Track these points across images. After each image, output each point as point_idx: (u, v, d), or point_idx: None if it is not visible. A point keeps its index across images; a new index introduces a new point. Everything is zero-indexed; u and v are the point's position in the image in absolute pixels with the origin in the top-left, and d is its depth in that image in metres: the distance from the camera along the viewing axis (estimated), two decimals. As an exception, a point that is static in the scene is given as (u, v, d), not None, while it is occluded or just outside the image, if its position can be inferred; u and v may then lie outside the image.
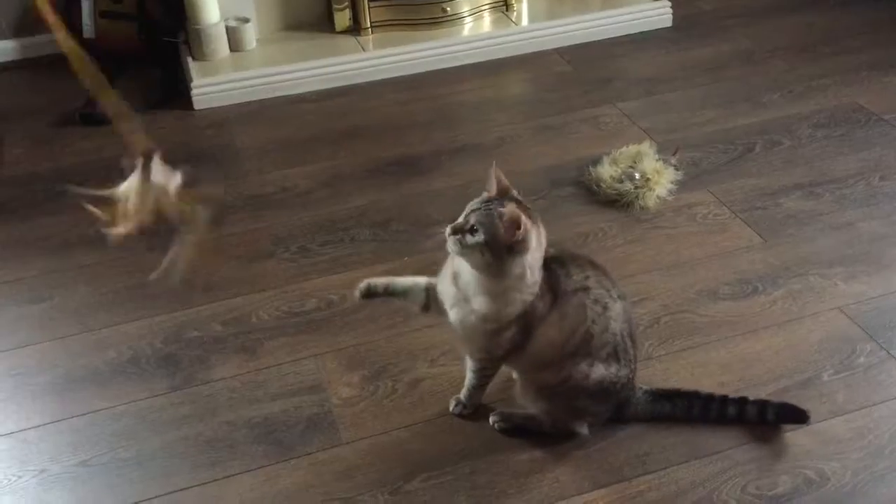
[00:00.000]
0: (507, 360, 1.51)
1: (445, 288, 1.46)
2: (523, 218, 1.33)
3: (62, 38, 1.56)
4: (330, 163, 2.36)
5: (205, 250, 2.01)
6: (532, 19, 2.92)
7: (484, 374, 1.55)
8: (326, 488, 1.50)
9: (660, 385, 1.61)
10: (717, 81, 2.67)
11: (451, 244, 1.37)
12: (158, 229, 2.11)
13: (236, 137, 2.50)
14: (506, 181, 1.41)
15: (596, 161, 2.24)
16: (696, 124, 2.45)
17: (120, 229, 1.53)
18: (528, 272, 1.37)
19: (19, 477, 1.55)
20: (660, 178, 2.16)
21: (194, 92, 2.62)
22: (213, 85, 2.64)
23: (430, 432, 1.59)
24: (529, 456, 1.54)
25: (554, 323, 1.43)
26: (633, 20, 2.94)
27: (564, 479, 1.49)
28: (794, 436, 1.54)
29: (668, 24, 2.97)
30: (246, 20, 2.75)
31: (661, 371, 1.68)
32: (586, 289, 1.44)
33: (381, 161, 2.36)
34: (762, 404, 1.54)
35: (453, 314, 1.46)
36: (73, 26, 2.77)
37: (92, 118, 2.57)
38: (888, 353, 1.70)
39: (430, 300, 1.51)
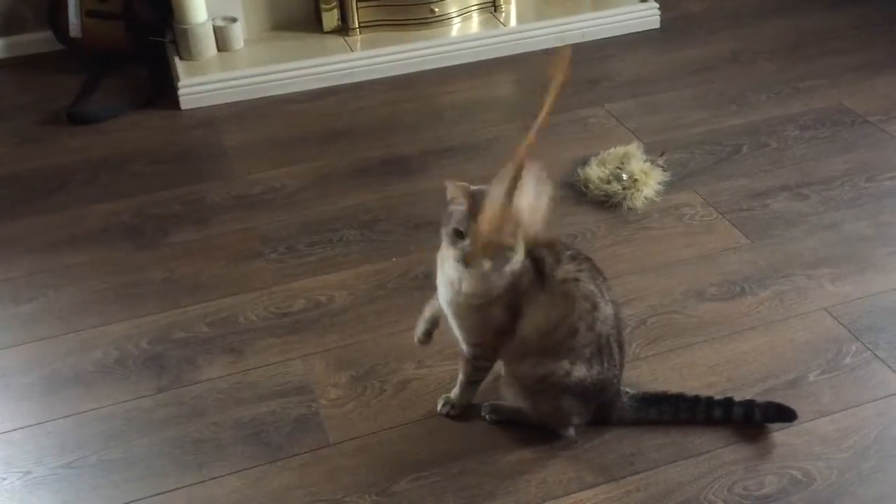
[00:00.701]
0: (499, 348, 1.50)
1: (439, 279, 1.47)
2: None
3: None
4: (318, 163, 2.36)
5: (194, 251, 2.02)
6: (520, 20, 2.92)
7: (477, 367, 1.55)
8: (314, 489, 1.50)
9: (647, 386, 1.61)
10: (704, 83, 2.68)
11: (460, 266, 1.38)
12: (145, 228, 2.12)
13: (224, 137, 2.50)
14: (469, 190, 1.39)
15: (584, 162, 2.25)
16: (683, 125, 2.46)
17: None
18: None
19: (4, 479, 1.54)
20: (647, 179, 2.16)
21: (181, 91, 2.61)
22: (200, 85, 2.63)
23: (418, 433, 1.59)
24: (518, 456, 1.54)
25: (541, 306, 1.43)
26: (622, 22, 2.95)
27: (552, 479, 1.50)
28: (780, 436, 1.55)
29: (656, 25, 2.98)
30: (233, 20, 2.74)
31: (648, 372, 1.68)
32: (577, 280, 1.45)
33: (370, 161, 2.36)
34: (748, 405, 1.55)
35: (444, 297, 1.46)
36: (60, 26, 2.76)
37: (80, 117, 2.56)
38: (873, 353, 1.71)
39: None
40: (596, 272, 1.49)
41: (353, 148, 2.42)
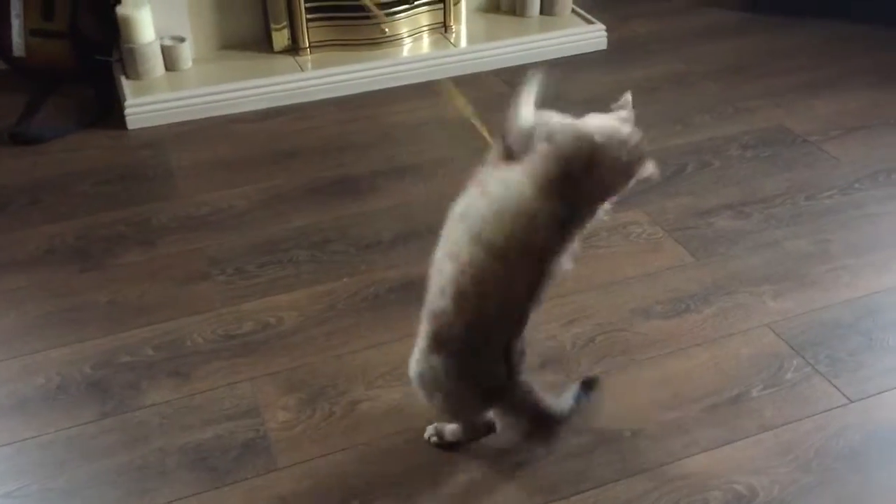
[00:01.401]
0: None
1: None
2: None
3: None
4: (267, 183, 2.34)
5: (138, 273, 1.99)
6: (471, 41, 2.95)
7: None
8: (262, 514, 1.48)
9: (595, 404, 1.62)
10: (650, 103, 2.73)
11: None
12: (90, 250, 2.09)
13: (171, 157, 2.47)
14: None
15: (533, 181, 2.27)
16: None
17: None
18: None
19: (-60, 510, 1.50)
20: (595, 198, 2.19)
21: (128, 111, 2.58)
22: (147, 104, 2.60)
23: (368, 455, 1.58)
24: (467, 476, 1.54)
25: None
26: (570, 43, 3.00)
27: (501, 499, 1.50)
28: (725, 451, 1.58)
29: (604, 46, 3.04)
30: (181, 39, 2.72)
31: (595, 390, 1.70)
32: None
33: (320, 181, 2.35)
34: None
35: None
36: (2, 44, 2.72)
37: (23, 137, 2.52)
38: (814, 368, 1.75)
39: None
40: None
41: (303, 168, 2.41)
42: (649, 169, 1.38)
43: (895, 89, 2.78)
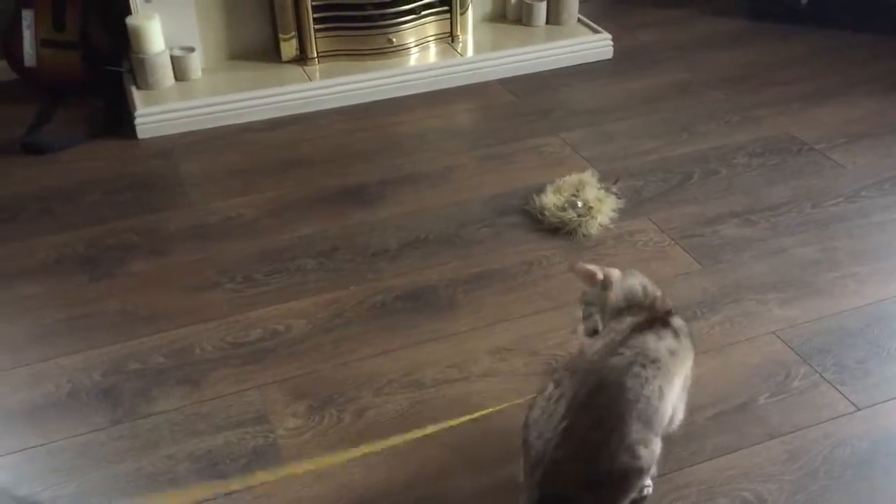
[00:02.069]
0: None
1: None
2: (592, 266, 1.51)
3: None
4: (275, 192, 2.36)
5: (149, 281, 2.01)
6: (477, 50, 2.97)
7: None
8: (270, 521, 1.49)
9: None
10: (656, 112, 2.74)
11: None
12: (100, 259, 2.10)
13: (181, 167, 2.49)
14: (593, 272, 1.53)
15: (539, 189, 2.28)
16: (636, 153, 2.51)
17: None
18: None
19: (-48, 516, 1.51)
20: (602, 207, 2.20)
21: (138, 121, 2.61)
22: (157, 114, 2.62)
23: (376, 462, 1.59)
24: (475, 483, 1.55)
25: None
26: (576, 52, 3.01)
27: (509, 506, 1.51)
28: (732, 458, 1.58)
29: (609, 56, 3.05)
30: (191, 49, 2.75)
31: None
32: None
33: (327, 190, 2.37)
34: None
35: None
36: (14, 55, 2.75)
37: (34, 147, 2.54)
38: (821, 376, 1.75)
39: None
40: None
41: (311, 177, 2.43)
42: None
43: (901, 97, 2.79)
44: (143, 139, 2.60)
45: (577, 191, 2.25)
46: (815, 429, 1.64)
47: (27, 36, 2.72)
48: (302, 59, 2.84)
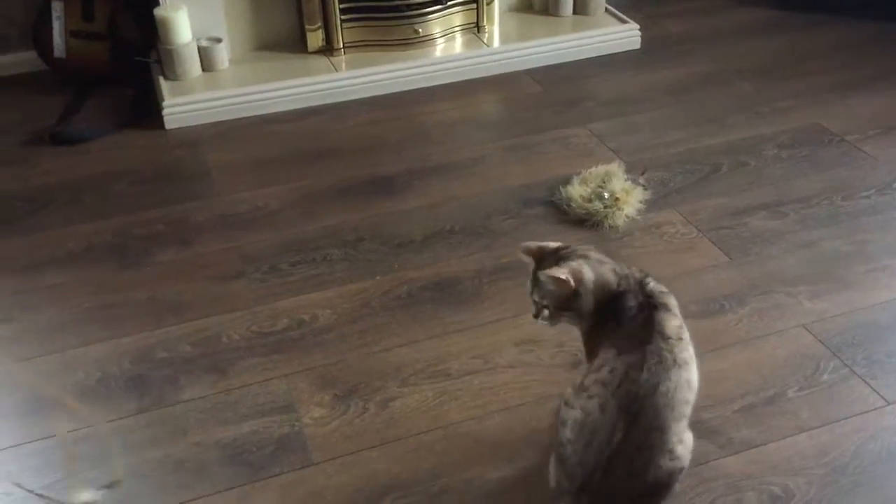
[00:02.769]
0: None
1: None
2: (562, 272, 1.36)
3: None
4: (301, 182, 2.37)
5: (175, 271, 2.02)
6: (503, 41, 2.95)
7: None
8: (296, 509, 1.50)
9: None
10: (684, 102, 2.71)
11: (543, 325, 1.43)
12: (128, 248, 2.12)
13: (208, 157, 2.50)
14: (534, 247, 1.45)
15: (566, 181, 2.27)
16: (663, 145, 2.49)
17: None
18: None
19: (-16, 501, 1.53)
20: (628, 198, 2.19)
21: (165, 111, 2.62)
22: (184, 104, 2.64)
23: (401, 452, 1.59)
24: (500, 474, 1.55)
25: None
26: (603, 42, 2.99)
27: (535, 498, 1.50)
28: (760, 452, 1.57)
29: (637, 46, 3.02)
30: (218, 40, 2.76)
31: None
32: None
33: (353, 180, 2.37)
34: None
35: None
36: (44, 46, 2.77)
37: (63, 137, 2.56)
38: (851, 369, 1.73)
39: None
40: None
41: (337, 167, 2.43)
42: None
43: (935, 88, 2.74)
44: (170, 129, 2.62)
45: (604, 182, 2.24)
46: (844, 423, 1.62)
47: (57, 27, 2.74)
48: (328, 49, 2.84)
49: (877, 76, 2.81)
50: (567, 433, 1.33)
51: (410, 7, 2.82)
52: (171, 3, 2.66)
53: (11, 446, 1.62)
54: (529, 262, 1.45)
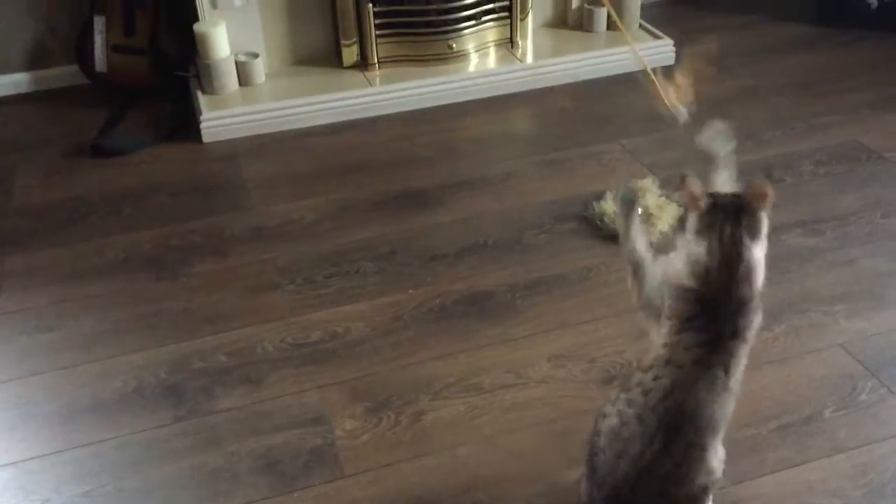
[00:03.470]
0: None
1: None
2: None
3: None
4: (336, 196, 2.39)
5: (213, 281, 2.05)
6: (537, 56, 2.96)
7: None
8: (328, 521, 1.51)
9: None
10: (719, 118, 2.69)
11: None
12: (166, 259, 2.15)
13: (244, 170, 2.54)
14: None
15: (599, 196, 2.26)
16: (698, 161, 2.47)
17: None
18: None
19: (23, 506, 1.56)
20: (662, 214, 2.18)
21: (203, 125, 2.66)
22: (222, 118, 2.68)
23: (433, 466, 1.59)
24: (532, 490, 1.54)
25: None
26: (637, 58, 2.98)
27: (566, 513, 1.50)
28: (795, 472, 1.55)
29: (671, 61, 3.01)
30: (255, 55, 2.80)
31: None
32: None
33: (387, 194, 2.39)
34: None
35: None
36: (86, 60, 2.83)
37: (104, 150, 2.61)
38: (889, 390, 1.70)
39: None
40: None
41: (371, 181, 2.45)
42: None
43: (976, 105, 2.70)
44: (207, 143, 2.66)
45: (638, 198, 2.22)
46: (883, 444, 1.59)
47: (98, 41, 2.80)
48: (363, 64, 2.87)
49: (916, 93, 2.78)
50: (601, 442, 1.32)
51: (445, 23, 2.84)
52: (210, 18, 2.70)
53: (50, 454, 1.65)
54: None
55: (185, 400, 1.75)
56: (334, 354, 1.85)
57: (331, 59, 2.90)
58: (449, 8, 2.83)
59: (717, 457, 1.32)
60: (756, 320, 1.32)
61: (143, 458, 1.64)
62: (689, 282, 1.32)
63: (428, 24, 2.85)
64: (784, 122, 2.65)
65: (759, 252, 1.32)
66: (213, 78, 2.72)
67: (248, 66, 2.78)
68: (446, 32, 2.86)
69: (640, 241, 1.43)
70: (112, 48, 2.81)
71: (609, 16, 2.93)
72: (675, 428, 1.27)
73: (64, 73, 2.95)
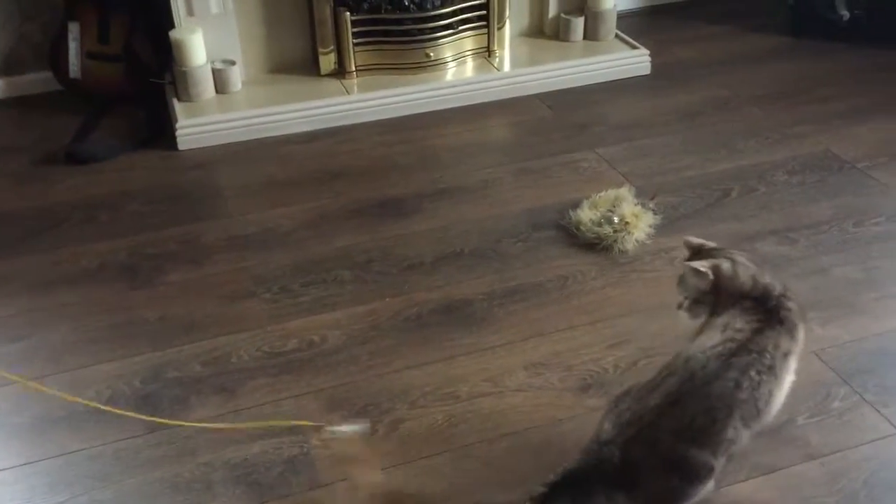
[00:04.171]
0: None
1: None
2: (703, 265, 1.44)
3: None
4: (313, 204, 2.38)
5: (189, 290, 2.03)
6: (514, 65, 2.98)
7: None
8: (304, 531, 1.50)
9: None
10: (694, 128, 2.72)
11: (684, 317, 1.51)
12: (141, 268, 2.13)
13: (220, 178, 2.52)
14: (696, 243, 1.53)
15: (576, 205, 2.28)
16: (673, 169, 2.50)
17: None
18: None
19: (-7, 518, 1.53)
20: (638, 222, 2.19)
21: (179, 132, 2.65)
22: (197, 126, 2.66)
23: (410, 474, 1.59)
24: (508, 498, 1.54)
25: None
26: (613, 67, 3.00)
27: (543, 522, 1.50)
28: (769, 479, 1.56)
29: (647, 71, 3.04)
30: (232, 62, 2.79)
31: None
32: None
33: (364, 203, 2.38)
34: None
35: None
36: (60, 67, 2.81)
37: (78, 157, 2.59)
38: (861, 397, 1.72)
39: None
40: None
41: (348, 189, 2.45)
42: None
43: (945, 116, 2.74)
44: (183, 150, 2.64)
45: (614, 206, 2.24)
46: (855, 451, 1.61)
47: (73, 48, 2.78)
48: (340, 72, 2.86)
49: (887, 103, 2.82)
50: (629, 399, 1.40)
51: (422, 32, 2.85)
52: (186, 25, 2.69)
53: (22, 465, 1.63)
54: (685, 255, 1.53)
55: (159, 410, 1.73)
56: (311, 363, 1.84)
57: (308, 66, 2.90)
58: (426, 17, 2.83)
59: (725, 447, 1.36)
60: None
61: (117, 469, 1.62)
62: None
63: (405, 33, 2.85)
64: (757, 131, 2.68)
65: None
66: (189, 85, 2.71)
67: (225, 73, 2.76)
68: (423, 41, 2.86)
69: None
70: (87, 55, 2.78)
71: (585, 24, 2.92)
72: (701, 387, 1.34)
73: (37, 80, 2.92)
